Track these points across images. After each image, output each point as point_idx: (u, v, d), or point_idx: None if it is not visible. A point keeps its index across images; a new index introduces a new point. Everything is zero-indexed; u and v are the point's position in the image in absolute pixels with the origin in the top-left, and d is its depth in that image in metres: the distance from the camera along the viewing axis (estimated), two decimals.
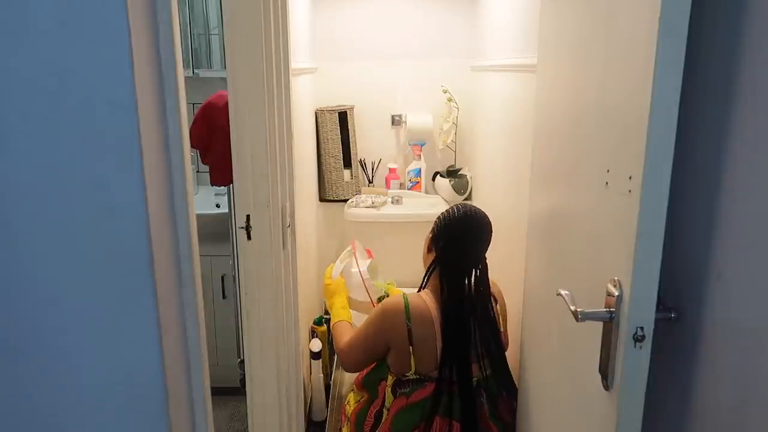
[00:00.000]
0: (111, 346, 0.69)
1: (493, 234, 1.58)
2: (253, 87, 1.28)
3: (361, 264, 1.97)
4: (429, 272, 1.59)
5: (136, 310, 0.68)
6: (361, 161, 2.76)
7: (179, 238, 0.74)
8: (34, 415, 0.70)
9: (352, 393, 1.73)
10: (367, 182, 2.77)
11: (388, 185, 2.73)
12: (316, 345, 2.16)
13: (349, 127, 2.65)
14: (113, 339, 0.68)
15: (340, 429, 1.75)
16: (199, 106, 1.66)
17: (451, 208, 1.60)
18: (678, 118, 0.75)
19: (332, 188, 2.68)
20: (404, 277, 2.28)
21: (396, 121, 2.73)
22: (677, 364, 0.86)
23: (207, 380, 0.82)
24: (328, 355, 2.29)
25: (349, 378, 1.97)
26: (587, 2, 1.03)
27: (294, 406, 1.65)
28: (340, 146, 2.64)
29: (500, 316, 1.64)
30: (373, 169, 2.77)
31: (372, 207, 2.53)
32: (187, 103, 0.78)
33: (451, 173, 2.65)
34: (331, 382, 2.24)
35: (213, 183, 1.71)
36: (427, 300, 1.54)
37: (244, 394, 1.48)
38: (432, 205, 2.58)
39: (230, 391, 2.13)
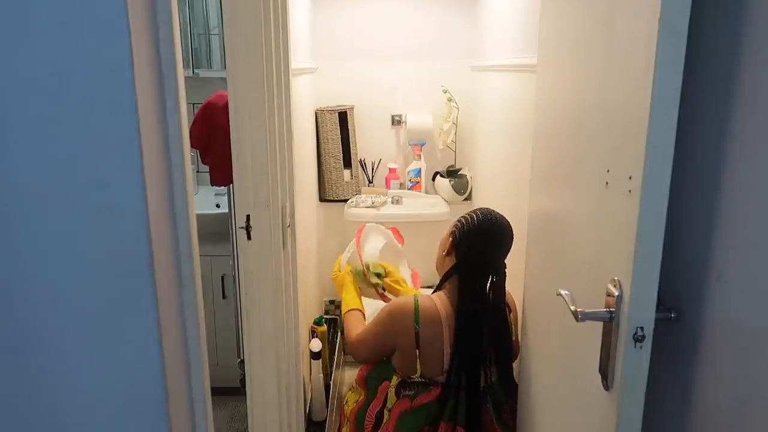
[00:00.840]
0: (111, 346, 0.69)
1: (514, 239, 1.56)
2: (253, 87, 1.28)
3: (369, 245, 1.94)
4: (447, 276, 1.57)
5: (136, 310, 0.68)
6: (361, 161, 2.76)
7: (179, 238, 0.74)
8: (34, 415, 0.70)
9: (350, 392, 1.73)
10: (367, 182, 2.77)
11: (388, 185, 2.73)
12: (316, 345, 2.16)
13: (349, 127, 2.65)
14: (113, 339, 0.68)
15: (340, 429, 1.74)
16: (199, 106, 1.66)
17: (474, 213, 1.56)
18: (678, 119, 0.75)
19: (332, 188, 2.68)
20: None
21: (396, 121, 2.73)
22: (677, 364, 0.86)
23: (207, 380, 0.82)
24: (328, 355, 2.29)
25: (349, 378, 1.96)
26: (587, 3, 1.03)
27: (294, 406, 1.65)
28: (340, 146, 2.64)
29: (513, 325, 1.63)
30: (373, 169, 2.77)
31: (372, 207, 2.53)
32: (187, 103, 0.78)
33: (451, 173, 2.65)
34: (331, 382, 2.24)
35: (213, 183, 1.71)
36: (438, 303, 1.53)
37: (244, 394, 1.48)
38: (432, 205, 2.58)
39: (230, 391, 2.13)
